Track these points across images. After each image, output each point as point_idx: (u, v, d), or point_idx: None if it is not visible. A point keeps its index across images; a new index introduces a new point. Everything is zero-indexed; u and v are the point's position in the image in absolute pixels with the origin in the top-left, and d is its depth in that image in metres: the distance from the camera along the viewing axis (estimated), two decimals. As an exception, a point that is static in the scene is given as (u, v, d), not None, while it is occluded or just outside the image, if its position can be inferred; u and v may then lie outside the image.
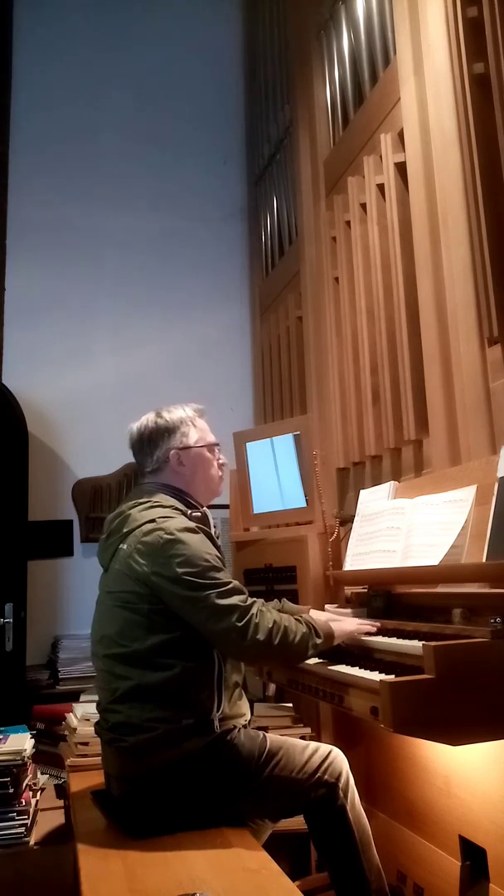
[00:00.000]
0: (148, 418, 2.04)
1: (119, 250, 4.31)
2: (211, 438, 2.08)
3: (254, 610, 1.73)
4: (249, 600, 1.76)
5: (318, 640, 1.79)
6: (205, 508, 2.00)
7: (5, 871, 1.97)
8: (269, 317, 4.16)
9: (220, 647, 1.79)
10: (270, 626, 1.72)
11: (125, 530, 1.87)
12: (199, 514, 1.94)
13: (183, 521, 1.83)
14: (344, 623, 1.90)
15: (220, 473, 2.09)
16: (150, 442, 2.01)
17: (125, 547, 1.85)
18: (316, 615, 1.93)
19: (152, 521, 1.82)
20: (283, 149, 3.97)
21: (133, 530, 1.84)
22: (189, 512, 1.90)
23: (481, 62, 2.07)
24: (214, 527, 1.98)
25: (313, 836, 1.90)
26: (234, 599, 1.73)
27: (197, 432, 2.04)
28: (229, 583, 1.75)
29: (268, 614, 1.75)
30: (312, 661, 1.89)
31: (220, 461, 2.09)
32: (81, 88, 4.39)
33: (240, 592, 1.76)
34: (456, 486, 1.87)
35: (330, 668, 1.78)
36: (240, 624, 1.70)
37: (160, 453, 2.00)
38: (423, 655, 1.42)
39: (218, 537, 1.94)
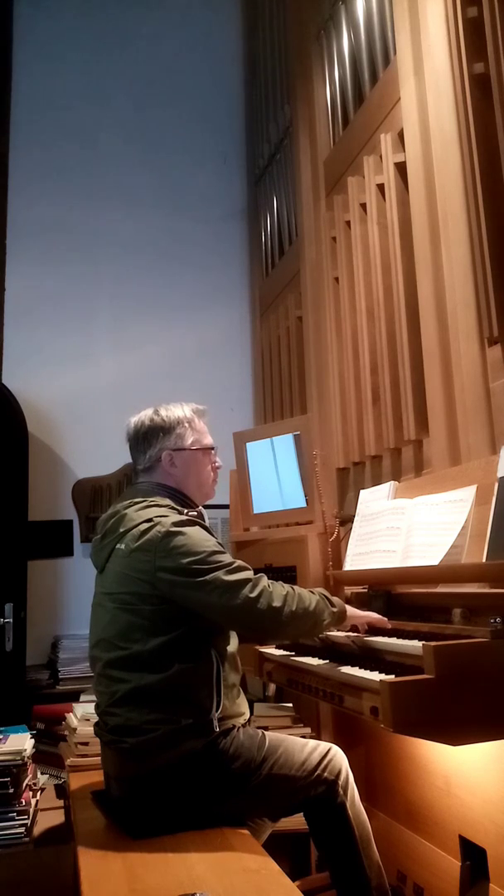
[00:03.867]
0: (145, 415, 2.01)
1: (119, 250, 4.31)
2: (207, 441, 2.03)
3: (265, 581, 1.73)
4: (258, 574, 1.75)
5: (334, 609, 1.79)
6: (200, 508, 2.00)
7: (5, 871, 1.97)
8: (269, 317, 4.16)
9: (236, 623, 1.77)
10: (285, 593, 1.72)
11: (122, 530, 1.85)
12: (194, 513, 1.92)
13: (178, 517, 1.82)
14: (357, 610, 1.90)
15: (213, 476, 2.05)
16: (145, 440, 1.98)
17: (122, 547, 1.83)
18: None
19: (149, 520, 1.80)
20: (283, 149, 3.97)
21: (130, 530, 1.82)
22: (185, 511, 1.89)
23: (481, 62, 2.08)
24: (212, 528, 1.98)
25: (313, 833, 1.90)
26: (243, 574, 1.72)
27: (193, 434, 2.00)
28: (234, 561, 1.75)
29: (280, 584, 1.75)
30: (313, 660, 1.89)
31: (216, 464, 2.06)
32: (81, 88, 4.39)
33: (247, 569, 1.75)
34: (456, 486, 1.87)
35: (330, 668, 1.78)
36: (253, 594, 1.68)
37: (153, 452, 1.97)
38: (423, 655, 1.42)
39: (216, 536, 1.93)
